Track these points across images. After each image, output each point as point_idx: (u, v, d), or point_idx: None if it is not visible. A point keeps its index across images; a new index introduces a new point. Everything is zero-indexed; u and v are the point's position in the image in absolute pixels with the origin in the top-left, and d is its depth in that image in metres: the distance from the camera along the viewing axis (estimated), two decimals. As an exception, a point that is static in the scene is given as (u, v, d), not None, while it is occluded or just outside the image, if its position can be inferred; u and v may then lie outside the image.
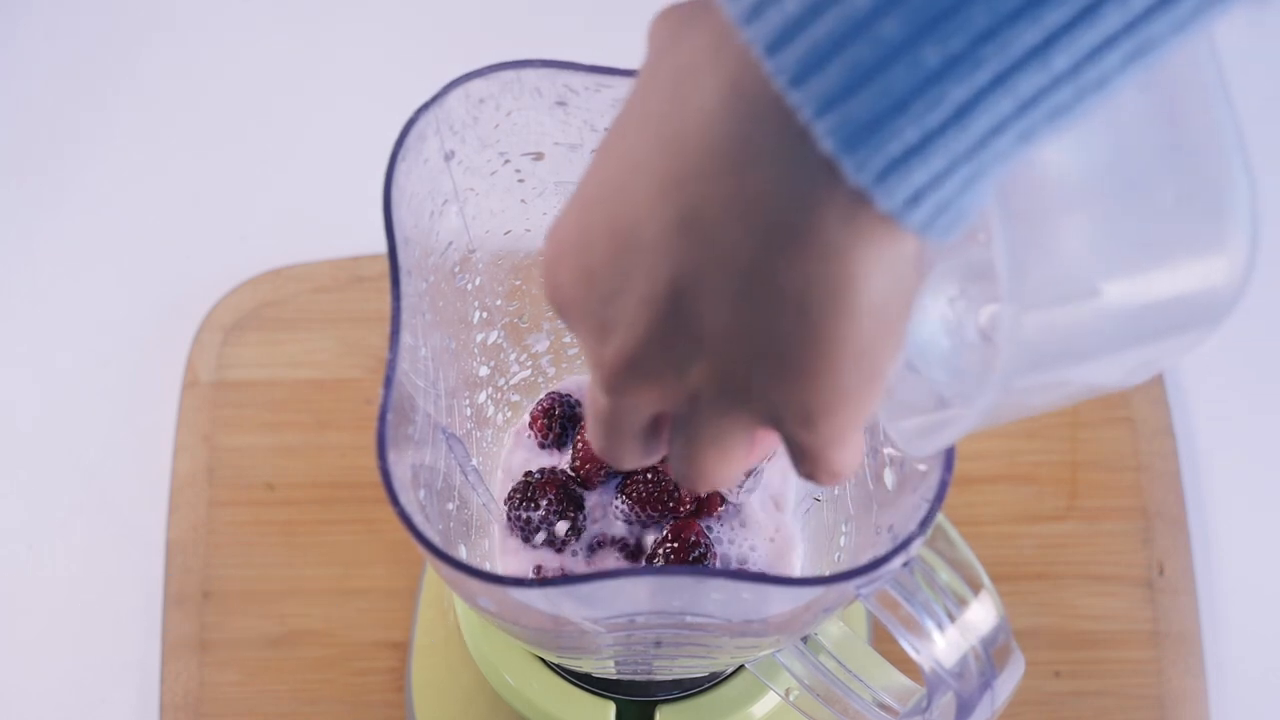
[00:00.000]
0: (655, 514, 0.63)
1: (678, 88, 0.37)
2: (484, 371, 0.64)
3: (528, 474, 0.65)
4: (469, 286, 0.61)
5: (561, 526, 0.63)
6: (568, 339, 0.66)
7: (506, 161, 0.57)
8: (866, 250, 0.37)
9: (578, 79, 0.54)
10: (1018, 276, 0.39)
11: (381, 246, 0.53)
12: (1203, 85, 0.40)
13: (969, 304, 0.45)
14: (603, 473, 0.64)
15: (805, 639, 0.59)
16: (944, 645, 0.52)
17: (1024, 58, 0.34)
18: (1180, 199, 0.39)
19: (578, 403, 0.67)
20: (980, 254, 0.44)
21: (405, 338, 0.51)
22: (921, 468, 0.51)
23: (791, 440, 0.42)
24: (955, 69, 0.34)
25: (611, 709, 0.66)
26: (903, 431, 0.48)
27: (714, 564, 0.63)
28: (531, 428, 0.66)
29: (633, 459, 0.46)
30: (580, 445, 0.65)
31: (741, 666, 0.66)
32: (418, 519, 0.49)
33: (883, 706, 0.58)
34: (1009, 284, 0.39)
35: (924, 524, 0.49)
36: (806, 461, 0.43)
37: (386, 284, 0.52)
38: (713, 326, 0.39)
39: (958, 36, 0.34)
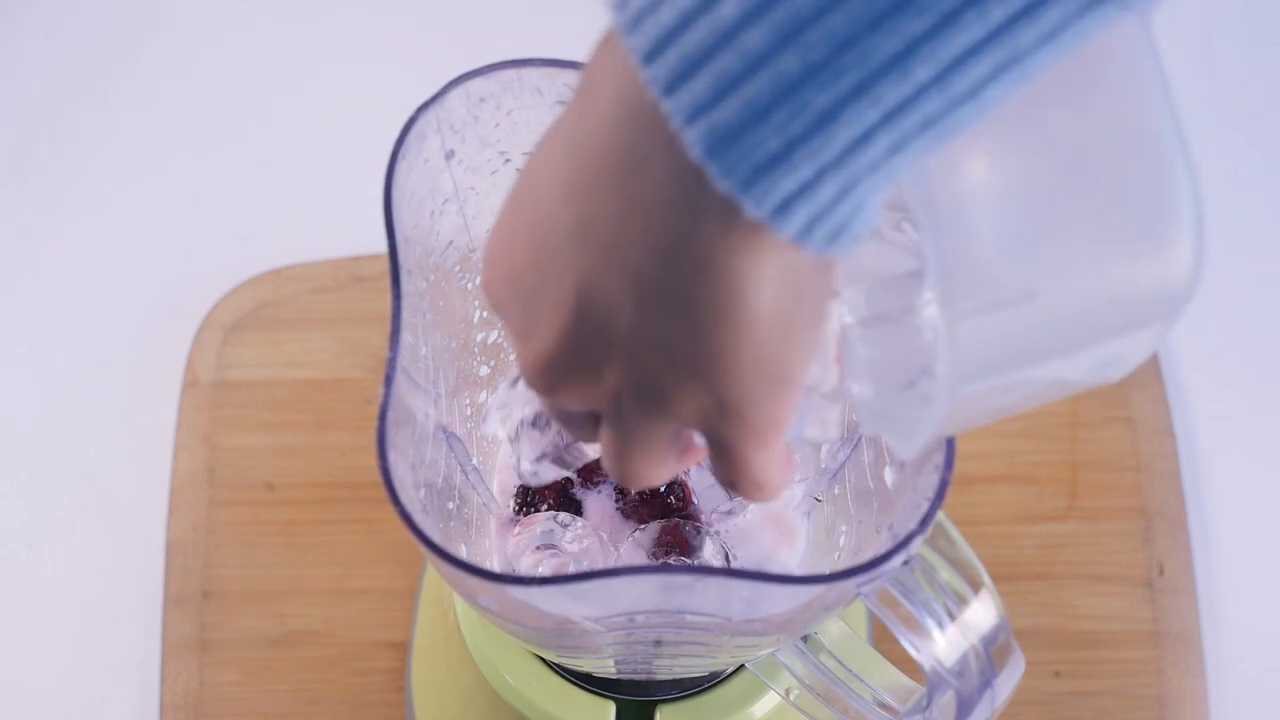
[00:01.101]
0: (655, 515, 0.63)
1: (582, 96, 0.38)
2: (484, 371, 0.65)
3: None
4: (469, 286, 0.61)
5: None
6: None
7: (507, 161, 0.57)
8: (747, 259, 0.37)
9: (577, 78, 0.54)
10: (947, 283, 0.39)
11: (381, 246, 0.53)
12: (1139, 83, 0.40)
13: (911, 313, 0.45)
14: (602, 475, 0.65)
15: (805, 638, 0.59)
16: (944, 644, 0.52)
17: (885, 66, 0.34)
18: (1115, 198, 0.39)
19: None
20: (915, 263, 0.44)
21: (405, 337, 0.51)
22: (919, 464, 0.51)
23: (711, 445, 0.43)
24: (816, 77, 0.34)
25: (611, 709, 0.66)
26: (892, 435, 0.48)
27: (696, 515, 0.63)
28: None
29: (579, 440, 0.47)
30: None
31: (741, 666, 0.66)
32: (418, 518, 0.49)
33: (883, 706, 0.58)
34: (939, 292, 0.39)
35: (924, 522, 0.49)
36: (727, 467, 0.44)
37: (386, 284, 0.52)
38: (619, 330, 0.40)
39: (818, 46, 0.34)
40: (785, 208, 0.36)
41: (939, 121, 0.35)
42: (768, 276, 0.38)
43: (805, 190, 0.35)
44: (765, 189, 0.35)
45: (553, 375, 0.42)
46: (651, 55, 0.35)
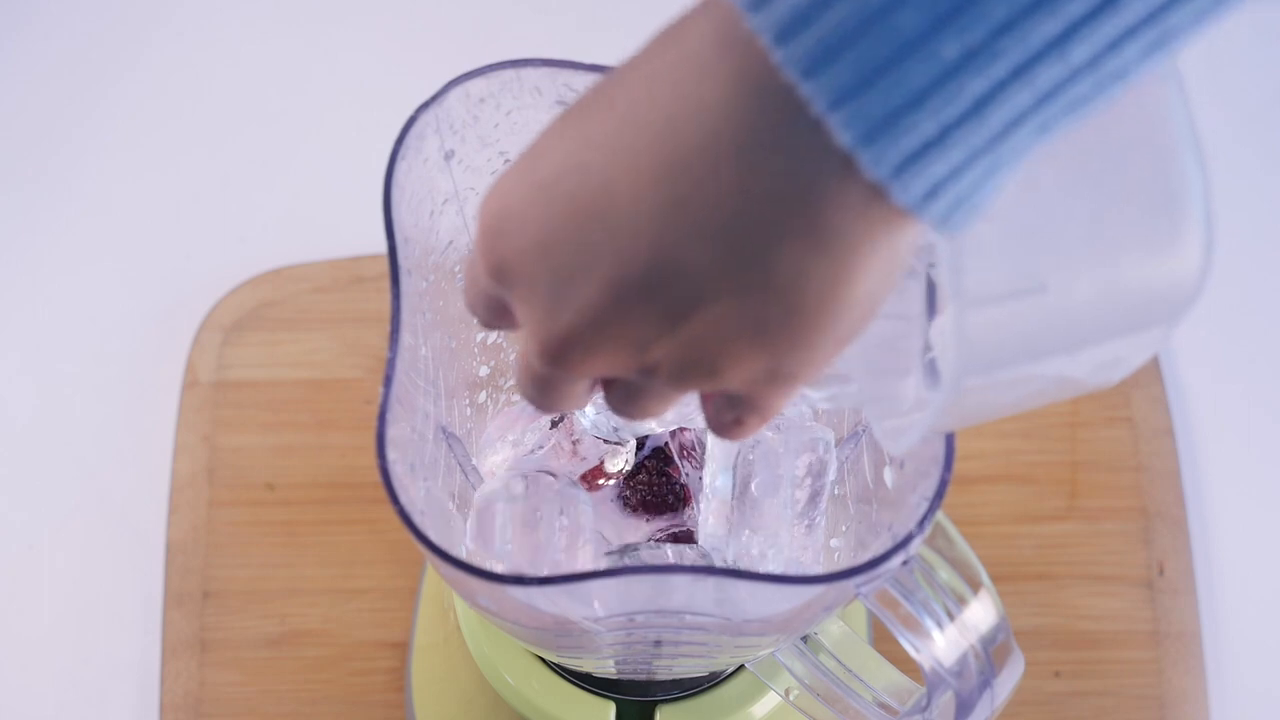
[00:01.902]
0: (656, 512, 0.63)
1: (673, 73, 0.37)
2: (484, 371, 0.65)
3: None
4: (469, 286, 0.61)
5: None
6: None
7: (506, 161, 0.57)
8: (873, 243, 0.37)
9: (577, 78, 0.54)
10: (960, 274, 0.39)
11: (381, 246, 0.53)
12: (1154, 83, 0.40)
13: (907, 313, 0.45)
14: (603, 479, 0.65)
15: (805, 638, 0.59)
16: (944, 644, 0.52)
17: (1043, 50, 0.34)
18: (1129, 195, 0.39)
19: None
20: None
21: (405, 337, 0.51)
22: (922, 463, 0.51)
23: (738, 402, 0.43)
24: (973, 62, 0.34)
25: (611, 709, 0.66)
26: (884, 430, 0.48)
27: (687, 505, 0.63)
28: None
29: (563, 409, 0.46)
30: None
31: (741, 666, 0.66)
32: (418, 518, 0.49)
33: (883, 706, 0.58)
34: (952, 282, 0.39)
35: (923, 523, 0.49)
36: (744, 412, 0.43)
37: (386, 284, 0.52)
38: (690, 311, 0.39)
39: (976, 28, 0.33)
40: (934, 193, 0.35)
41: (1086, 103, 0.35)
42: (879, 259, 0.37)
43: (954, 174, 0.35)
44: (916, 175, 0.35)
45: (582, 349, 0.41)
46: (785, 35, 0.34)
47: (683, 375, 0.41)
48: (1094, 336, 0.41)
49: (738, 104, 0.36)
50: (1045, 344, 0.41)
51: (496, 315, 0.45)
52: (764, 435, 0.59)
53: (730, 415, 0.44)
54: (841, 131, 0.35)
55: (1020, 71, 0.34)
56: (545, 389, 0.45)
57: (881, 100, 0.34)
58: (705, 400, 0.45)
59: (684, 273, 0.38)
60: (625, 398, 0.44)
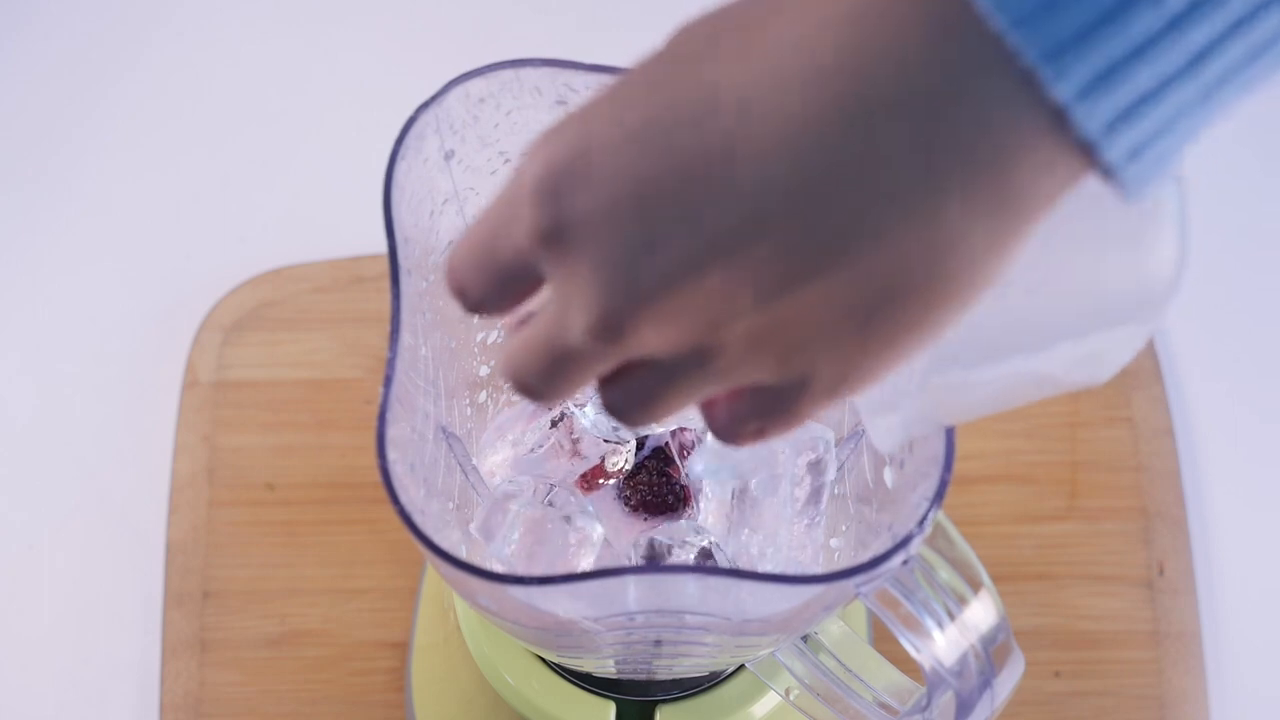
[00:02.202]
0: (657, 512, 0.63)
1: (849, 12, 0.34)
2: (484, 371, 0.65)
3: None
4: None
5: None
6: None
7: (506, 161, 0.57)
8: (1046, 206, 0.35)
9: (577, 78, 0.54)
10: None
11: (381, 246, 0.53)
12: None
13: None
14: (603, 478, 0.65)
15: (805, 638, 0.59)
16: (944, 644, 0.52)
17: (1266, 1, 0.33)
18: (1095, 193, 0.39)
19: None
20: None
21: (405, 337, 0.51)
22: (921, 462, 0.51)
23: (770, 407, 0.40)
24: (1198, 9, 0.33)
25: (611, 709, 0.66)
26: (874, 429, 0.47)
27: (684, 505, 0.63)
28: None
29: (563, 398, 0.42)
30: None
31: (741, 666, 0.66)
32: (418, 518, 0.49)
33: (883, 705, 0.58)
34: None
35: (923, 522, 0.49)
36: (768, 426, 0.40)
37: (386, 284, 0.52)
38: (798, 285, 0.36)
39: None
40: (1135, 153, 0.34)
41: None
42: (1035, 225, 0.35)
43: (1159, 133, 0.34)
44: (1125, 133, 0.34)
45: (649, 322, 0.37)
46: None
47: (742, 363, 0.38)
48: (1064, 333, 0.40)
49: (932, 49, 0.33)
50: (1012, 341, 0.40)
51: (508, 292, 0.41)
52: None
53: (754, 424, 0.40)
54: (1055, 84, 0.33)
55: (1240, 23, 0.33)
56: (566, 371, 0.40)
57: (1103, 52, 0.33)
58: (722, 403, 0.41)
59: (812, 238, 0.35)
60: (637, 397, 0.40)
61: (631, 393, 0.40)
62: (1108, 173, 0.34)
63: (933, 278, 0.35)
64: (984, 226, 0.35)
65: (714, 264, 0.36)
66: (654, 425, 0.56)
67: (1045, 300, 0.40)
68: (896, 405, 0.44)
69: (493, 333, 0.64)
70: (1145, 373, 0.87)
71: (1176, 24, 0.33)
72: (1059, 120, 0.34)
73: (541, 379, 0.41)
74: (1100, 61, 0.33)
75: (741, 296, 0.36)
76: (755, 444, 0.42)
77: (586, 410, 0.61)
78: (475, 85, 0.54)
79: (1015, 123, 0.34)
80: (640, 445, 0.64)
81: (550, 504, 0.60)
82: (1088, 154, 0.34)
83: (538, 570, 0.58)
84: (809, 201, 0.35)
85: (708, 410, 0.42)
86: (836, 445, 0.60)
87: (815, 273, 0.36)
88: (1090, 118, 0.33)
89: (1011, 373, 0.41)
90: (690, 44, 0.36)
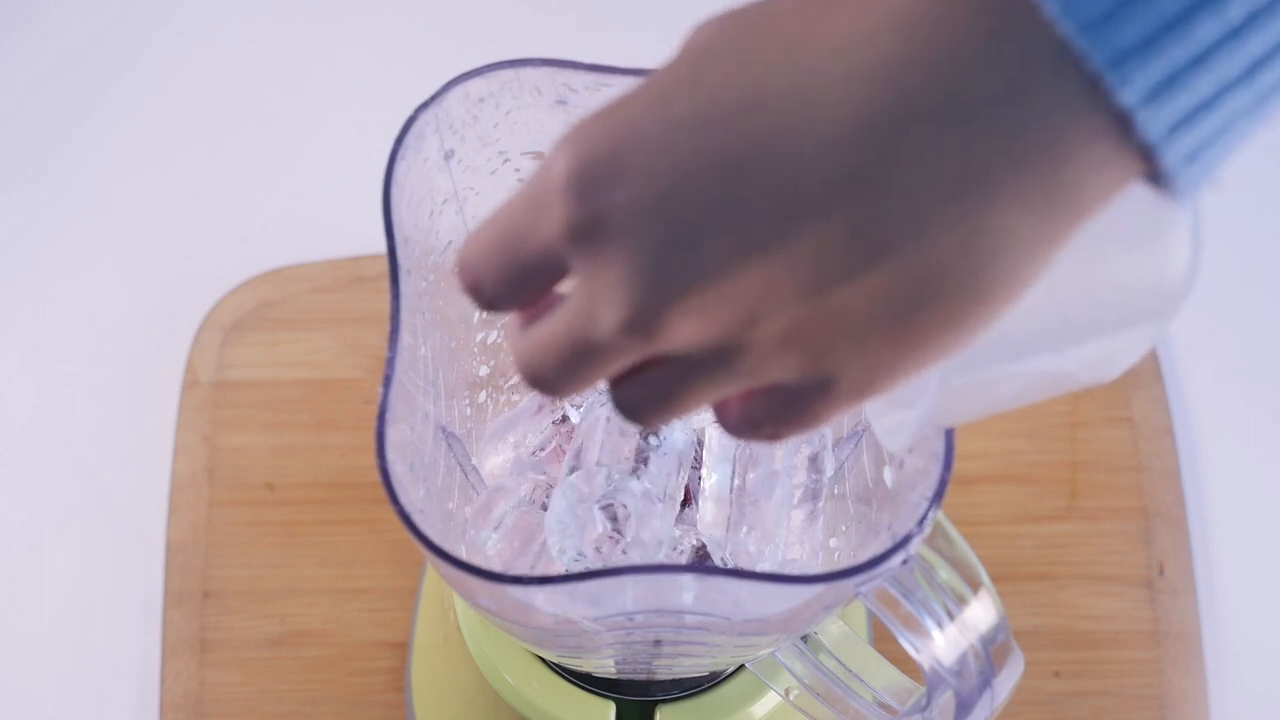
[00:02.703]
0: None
1: (910, 12, 0.34)
2: (484, 371, 0.65)
3: None
4: (469, 286, 0.61)
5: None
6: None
7: (506, 160, 0.57)
8: (1095, 206, 0.35)
9: (577, 78, 0.54)
10: None
11: (381, 246, 0.53)
12: None
13: None
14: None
15: (805, 638, 0.59)
16: (943, 643, 0.52)
17: None
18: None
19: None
20: None
21: (405, 337, 0.51)
22: (920, 463, 0.51)
23: (788, 411, 0.39)
24: (1256, 20, 0.33)
25: (611, 709, 0.66)
26: (882, 427, 0.47)
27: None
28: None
29: (576, 391, 0.41)
30: None
31: (741, 666, 0.66)
32: (418, 518, 0.49)
33: (883, 705, 0.58)
34: None
35: (923, 522, 0.49)
36: (782, 430, 0.40)
37: (386, 284, 0.52)
38: (845, 280, 0.36)
39: None
40: (1191, 157, 0.35)
41: None
42: (1077, 228, 0.36)
43: (1213, 138, 0.35)
44: (1183, 137, 0.34)
45: (684, 317, 0.37)
46: None
47: (769, 361, 0.38)
48: (1081, 334, 0.41)
49: (990, 51, 0.34)
50: (1030, 341, 0.40)
51: (527, 287, 0.40)
52: None
53: (769, 426, 0.40)
54: (1121, 89, 0.33)
55: None
56: (587, 366, 0.40)
57: (1167, 58, 0.33)
58: (736, 403, 0.41)
59: (857, 236, 0.35)
60: (654, 395, 0.40)
61: (648, 390, 0.40)
62: (1162, 176, 0.35)
63: (976, 278, 0.36)
64: (1031, 228, 0.35)
65: (756, 259, 0.36)
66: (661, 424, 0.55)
67: (1070, 299, 0.40)
68: (911, 403, 0.44)
69: (492, 333, 0.64)
70: (1145, 373, 0.87)
71: (1236, 33, 0.33)
72: (1121, 124, 0.34)
73: (559, 373, 0.40)
74: (1165, 68, 0.33)
75: (780, 292, 0.36)
76: (763, 442, 0.42)
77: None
78: (475, 85, 0.54)
79: (1073, 125, 0.34)
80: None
81: (544, 508, 0.59)
82: (1147, 158, 0.35)
83: (517, 567, 0.58)
84: (856, 199, 0.35)
85: (721, 410, 0.41)
86: (836, 445, 0.60)
87: (858, 270, 0.35)
88: (1153, 123, 0.34)
89: (1032, 371, 0.41)
90: (727, 42, 0.36)
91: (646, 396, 0.40)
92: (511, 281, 0.40)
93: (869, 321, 0.36)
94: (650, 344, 0.38)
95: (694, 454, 0.60)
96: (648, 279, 0.37)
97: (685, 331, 0.37)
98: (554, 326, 0.40)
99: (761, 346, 0.37)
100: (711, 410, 0.42)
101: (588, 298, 0.38)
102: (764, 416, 0.40)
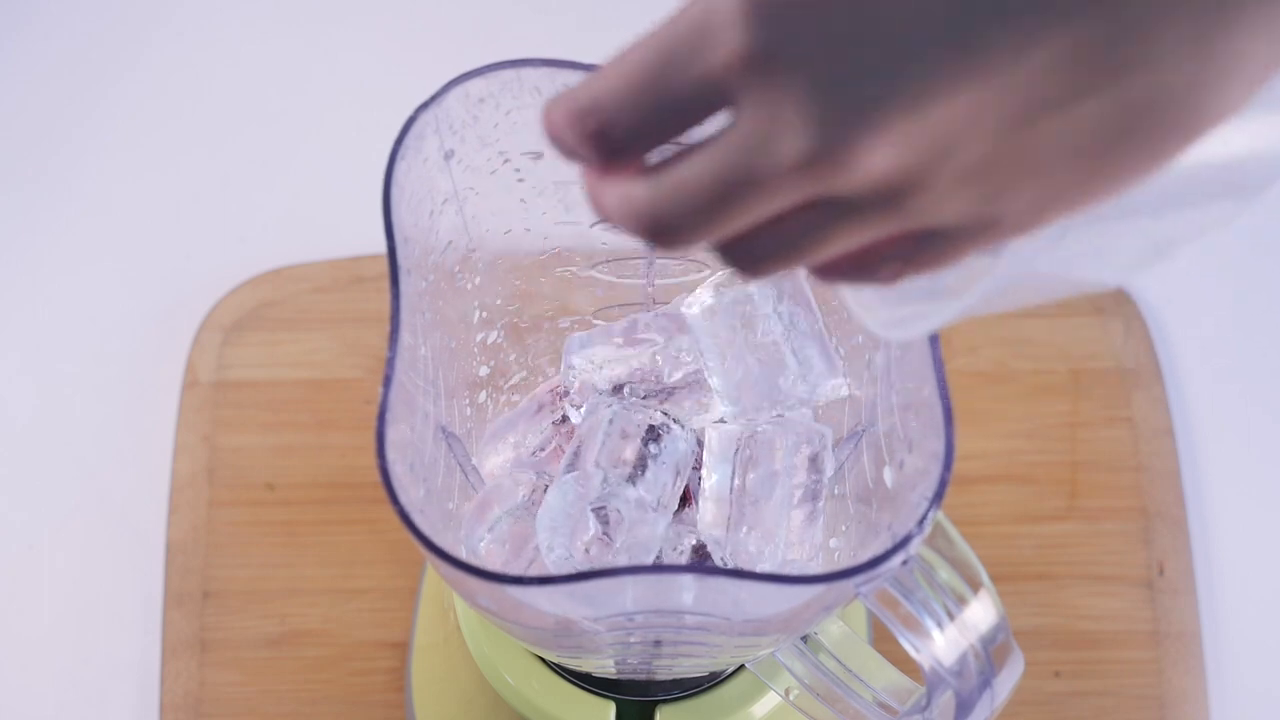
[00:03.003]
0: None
1: None
2: (484, 371, 0.65)
3: None
4: (469, 286, 0.61)
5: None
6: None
7: (506, 161, 0.57)
8: None
9: (577, 78, 0.54)
10: None
11: (381, 246, 0.53)
12: None
13: None
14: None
15: (805, 638, 0.59)
16: (943, 644, 0.52)
17: None
18: None
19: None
20: None
21: (405, 337, 0.51)
22: (920, 464, 0.51)
23: (946, 238, 0.36)
24: None
25: (611, 709, 0.66)
26: (881, 319, 0.43)
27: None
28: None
29: (708, 237, 0.37)
30: None
31: (741, 666, 0.66)
32: (418, 518, 0.49)
33: (883, 705, 0.58)
34: None
35: (923, 522, 0.49)
36: (907, 269, 0.37)
37: (386, 284, 0.52)
38: (1048, 111, 0.33)
39: None
40: None
41: None
42: None
43: None
44: None
45: (869, 146, 0.34)
46: None
47: (940, 202, 0.35)
48: (1187, 196, 0.38)
49: None
50: (1145, 196, 0.36)
51: (668, 126, 0.36)
52: (762, 430, 0.59)
53: (896, 264, 0.37)
54: None
55: None
56: (740, 204, 0.36)
57: None
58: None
59: (1096, 55, 0.32)
60: (788, 241, 0.36)
61: (782, 237, 0.37)
62: None
63: (1194, 107, 0.33)
64: (1261, 56, 0.33)
65: (973, 81, 0.33)
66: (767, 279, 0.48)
67: (1202, 153, 0.36)
68: (944, 294, 0.40)
69: (493, 333, 0.64)
70: (1145, 373, 0.87)
71: None
72: None
73: (699, 218, 0.37)
74: None
75: (986, 121, 0.33)
76: (881, 283, 0.38)
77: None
78: (475, 85, 0.54)
79: None
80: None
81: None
82: None
83: (511, 569, 0.58)
84: (1098, 12, 0.32)
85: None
86: (836, 445, 0.60)
87: (1079, 96, 0.33)
88: None
89: (1128, 230, 0.38)
90: None
91: (780, 244, 0.37)
92: (653, 119, 0.36)
93: (1062, 156, 0.34)
94: (826, 179, 0.35)
95: (693, 458, 0.60)
96: (842, 104, 0.34)
97: (870, 165, 0.34)
98: (703, 165, 0.36)
99: (940, 184, 0.34)
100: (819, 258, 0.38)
101: (756, 131, 0.35)
102: (894, 253, 0.37)
